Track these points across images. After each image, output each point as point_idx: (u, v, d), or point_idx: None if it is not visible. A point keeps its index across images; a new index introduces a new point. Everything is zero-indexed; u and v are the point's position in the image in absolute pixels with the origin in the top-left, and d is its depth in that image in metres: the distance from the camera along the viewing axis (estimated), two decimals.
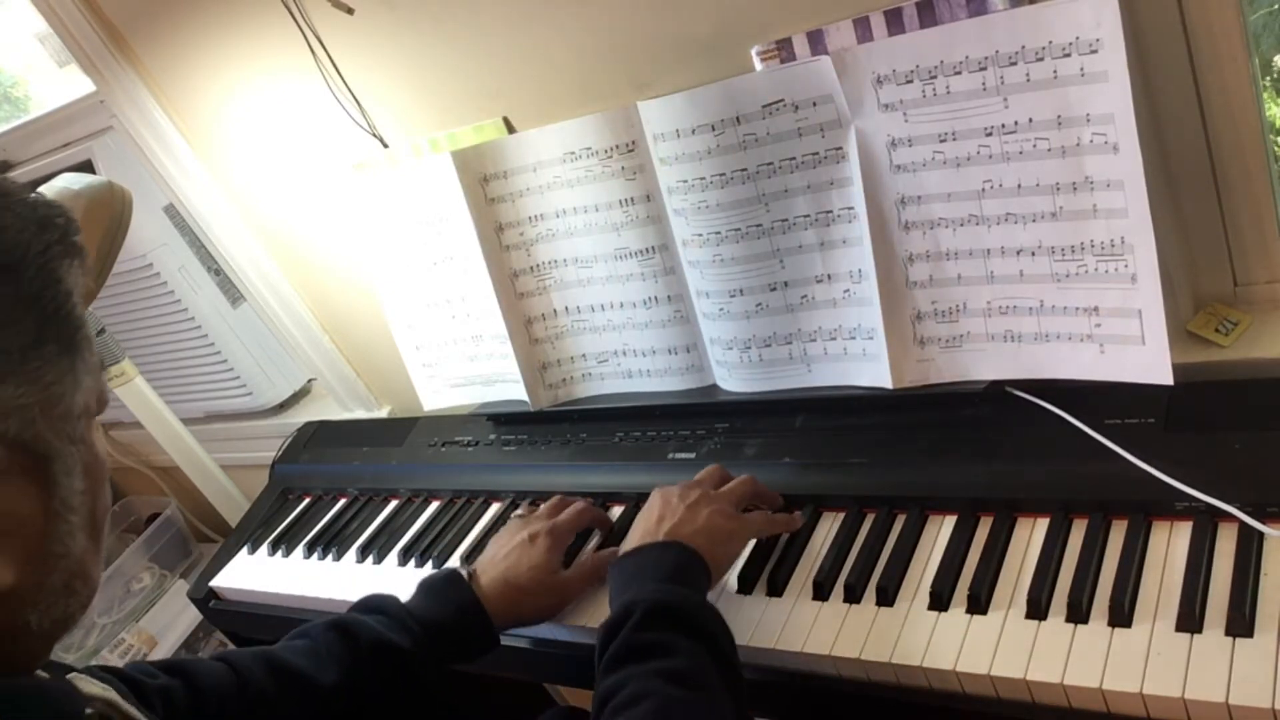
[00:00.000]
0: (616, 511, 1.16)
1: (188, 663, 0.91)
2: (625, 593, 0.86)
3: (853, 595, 0.92)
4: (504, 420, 1.38)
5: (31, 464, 0.56)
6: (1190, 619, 0.76)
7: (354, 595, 1.25)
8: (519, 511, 1.16)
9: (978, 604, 0.85)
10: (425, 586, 1.02)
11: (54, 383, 0.56)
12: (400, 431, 1.49)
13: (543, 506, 1.13)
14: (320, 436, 1.62)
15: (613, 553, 1.05)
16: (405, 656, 0.95)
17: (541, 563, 1.03)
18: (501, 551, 1.06)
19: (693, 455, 1.15)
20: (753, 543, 1.02)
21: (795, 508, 1.04)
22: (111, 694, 0.69)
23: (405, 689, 0.96)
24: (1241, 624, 0.74)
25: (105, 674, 0.78)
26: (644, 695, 0.74)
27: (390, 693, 0.95)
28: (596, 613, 1.03)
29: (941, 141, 0.95)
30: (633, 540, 0.95)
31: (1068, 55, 0.86)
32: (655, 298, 1.19)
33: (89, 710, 0.65)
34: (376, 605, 1.00)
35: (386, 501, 1.41)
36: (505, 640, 1.09)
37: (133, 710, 0.70)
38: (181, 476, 1.83)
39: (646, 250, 1.17)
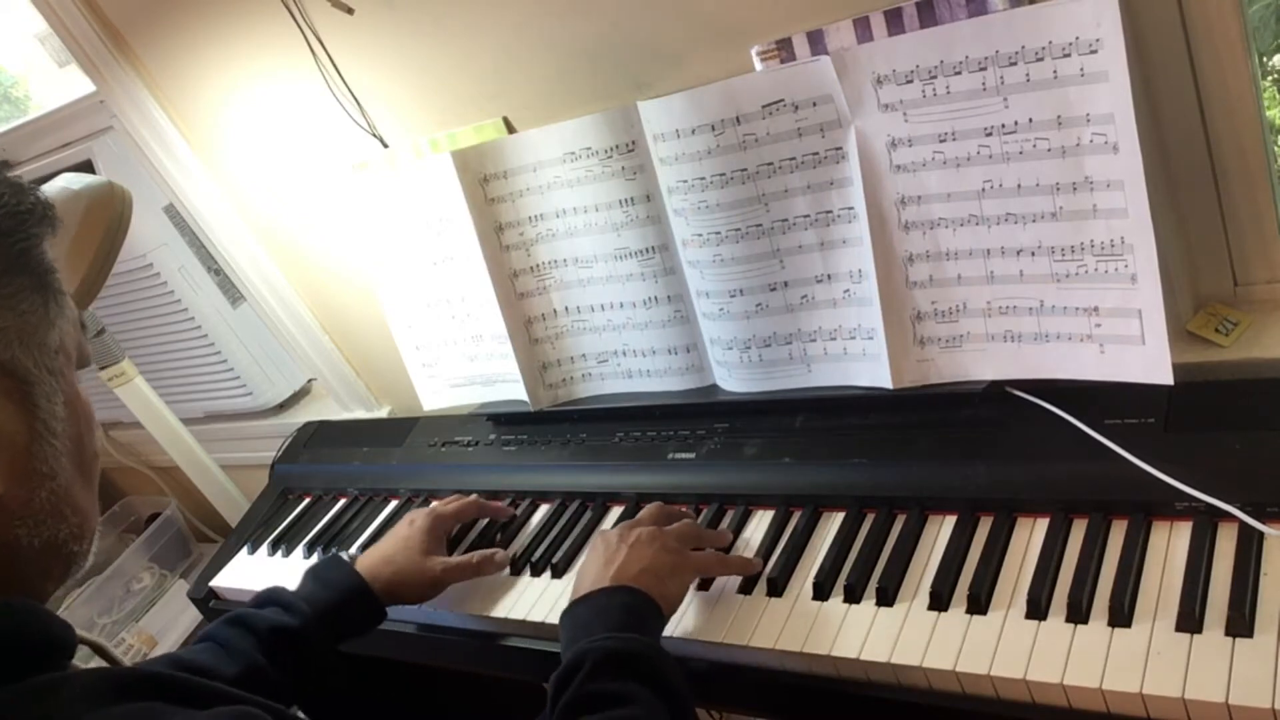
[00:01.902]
0: (616, 512, 1.16)
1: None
2: (576, 642, 0.86)
3: (853, 595, 0.91)
4: (504, 420, 1.38)
5: (12, 386, 0.60)
6: (1190, 619, 0.76)
7: None
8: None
9: (978, 604, 0.85)
10: (311, 573, 1.09)
11: (28, 312, 0.61)
12: (400, 431, 1.49)
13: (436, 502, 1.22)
14: (320, 436, 1.62)
15: (493, 553, 1.13)
16: (298, 636, 1.01)
17: (415, 544, 1.11)
18: (386, 535, 1.16)
19: (693, 455, 1.15)
20: (755, 543, 1.02)
21: (796, 508, 1.04)
22: (101, 641, 0.74)
23: (303, 667, 1.01)
24: (1241, 624, 0.74)
25: None
26: None
27: (290, 672, 1.00)
28: None
29: (941, 141, 0.95)
30: (581, 587, 0.94)
31: (1068, 55, 0.86)
32: (655, 298, 1.19)
33: (81, 644, 0.68)
34: (269, 598, 1.06)
35: (386, 501, 1.41)
36: (503, 640, 1.10)
37: (120, 657, 0.73)
38: (181, 476, 1.83)
39: (646, 250, 1.17)
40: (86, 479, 0.66)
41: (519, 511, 1.24)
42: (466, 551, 1.20)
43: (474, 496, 1.22)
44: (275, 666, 0.98)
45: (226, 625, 1.01)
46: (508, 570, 1.14)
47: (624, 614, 0.88)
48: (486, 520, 1.24)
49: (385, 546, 1.13)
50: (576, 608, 0.91)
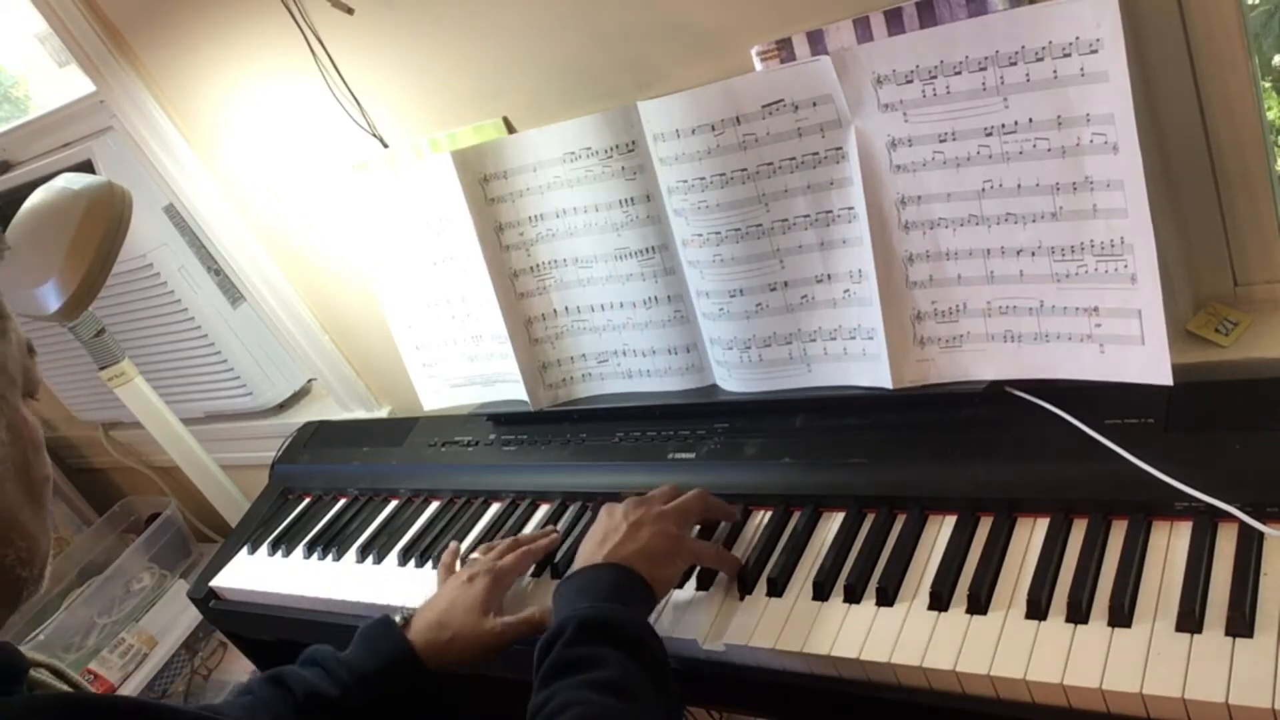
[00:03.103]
0: None
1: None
2: (562, 612, 0.88)
3: (853, 595, 0.91)
4: (504, 420, 1.38)
5: None
6: (1190, 619, 0.76)
7: (354, 595, 1.25)
8: (474, 554, 1.15)
9: (978, 604, 0.85)
10: (360, 635, 1.03)
11: None
12: (400, 431, 1.49)
13: (496, 548, 1.12)
14: (320, 436, 1.62)
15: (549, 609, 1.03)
16: (334, 705, 0.96)
17: (475, 604, 1.03)
18: (442, 592, 1.07)
19: (693, 455, 1.15)
20: (755, 543, 1.02)
21: (796, 508, 1.04)
22: (57, 664, 0.73)
23: None
24: (1241, 624, 0.74)
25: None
26: (570, 704, 0.76)
27: None
28: None
29: (941, 141, 0.95)
30: (578, 562, 0.97)
31: (1068, 55, 0.86)
32: (655, 298, 1.19)
33: (33, 672, 0.68)
34: (314, 658, 1.01)
35: (386, 501, 1.41)
36: None
37: (80, 680, 0.73)
38: (181, 476, 1.83)
39: (646, 250, 1.17)
40: (35, 503, 0.65)
41: (519, 512, 1.24)
42: None
43: (528, 548, 1.11)
44: None
45: (267, 683, 0.98)
46: None
47: (610, 588, 0.90)
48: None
49: (440, 608, 1.04)
50: (567, 582, 0.94)
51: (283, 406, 1.96)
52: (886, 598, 0.90)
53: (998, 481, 0.94)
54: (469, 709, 1.60)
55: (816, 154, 1.02)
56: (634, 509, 1.00)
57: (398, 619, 1.04)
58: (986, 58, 0.89)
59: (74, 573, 2.23)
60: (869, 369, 1.08)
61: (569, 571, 0.96)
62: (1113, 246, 0.90)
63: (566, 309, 1.26)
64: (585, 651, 0.81)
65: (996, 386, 1.01)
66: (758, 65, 1.07)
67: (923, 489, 0.97)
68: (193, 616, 2.02)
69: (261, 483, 1.61)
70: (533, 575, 1.13)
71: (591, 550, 0.97)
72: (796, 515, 1.03)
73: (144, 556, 2.15)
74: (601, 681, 0.78)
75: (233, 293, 1.83)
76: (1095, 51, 0.84)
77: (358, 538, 1.35)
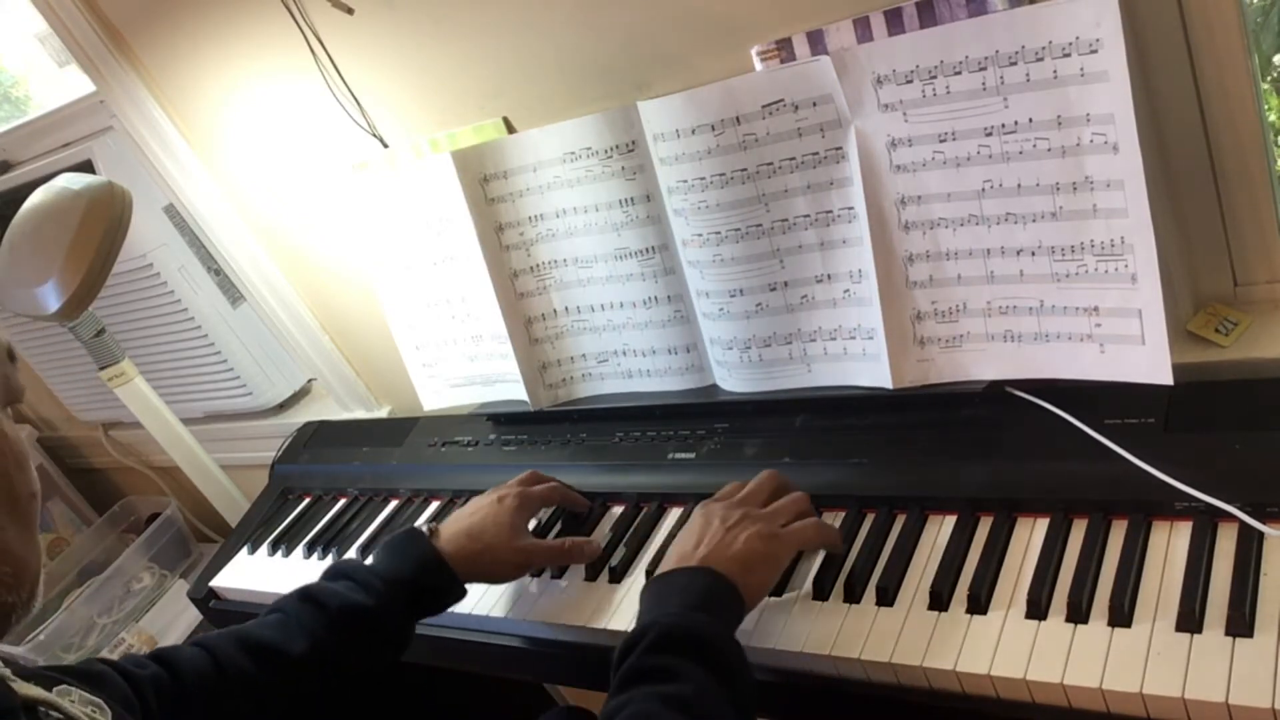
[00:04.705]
0: (617, 511, 1.16)
1: (168, 652, 0.94)
2: (648, 615, 0.86)
3: (853, 595, 0.91)
4: (504, 420, 1.38)
5: None
6: (1190, 619, 0.76)
7: None
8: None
9: (978, 604, 0.85)
10: (387, 545, 1.06)
11: None
12: (400, 431, 1.49)
13: (517, 477, 1.16)
14: (320, 436, 1.62)
15: (586, 542, 1.09)
16: (371, 614, 0.98)
17: (505, 521, 1.06)
18: (469, 508, 1.11)
19: (693, 455, 1.15)
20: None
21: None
22: (52, 697, 0.69)
23: (373, 645, 0.99)
24: (1241, 624, 0.74)
25: (83, 672, 0.80)
26: (641, 716, 0.74)
27: (362, 651, 0.98)
28: (597, 614, 1.03)
29: (941, 141, 0.95)
30: (669, 562, 0.92)
31: (1068, 55, 0.86)
32: (655, 298, 1.19)
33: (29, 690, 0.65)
34: (342, 571, 1.02)
35: (386, 501, 1.41)
36: (504, 640, 1.10)
37: (74, 710, 0.70)
38: (181, 476, 1.83)
39: (646, 250, 1.17)
40: (20, 522, 0.61)
41: None
42: None
43: (557, 483, 1.16)
44: (342, 646, 0.96)
45: (297, 600, 0.99)
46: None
47: (700, 595, 0.86)
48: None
49: (472, 520, 1.07)
50: (657, 582, 0.90)
51: (283, 406, 1.96)
52: (886, 597, 0.90)
53: (998, 481, 0.94)
54: (469, 709, 1.60)
55: (816, 154, 1.02)
56: (731, 511, 0.95)
57: (424, 529, 1.06)
58: (986, 58, 0.89)
59: (74, 573, 2.23)
60: (869, 369, 1.07)
61: (663, 569, 0.92)
62: (1113, 246, 0.90)
63: (566, 309, 1.26)
64: (664, 661, 0.79)
65: (996, 386, 1.01)
66: (758, 65, 1.07)
67: (923, 489, 0.97)
68: (193, 616, 2.02)
69: (261, 483, 1.61)
70: (581, 577, 1.10)
71: (685, 552, 0.92)
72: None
73: (144, 556, 2.15)
74: (675, 696, 0.76)
75: (233, 293, 1.83)
76: (1095, 51, 0.84)
77: (358, 538, 1.35)
